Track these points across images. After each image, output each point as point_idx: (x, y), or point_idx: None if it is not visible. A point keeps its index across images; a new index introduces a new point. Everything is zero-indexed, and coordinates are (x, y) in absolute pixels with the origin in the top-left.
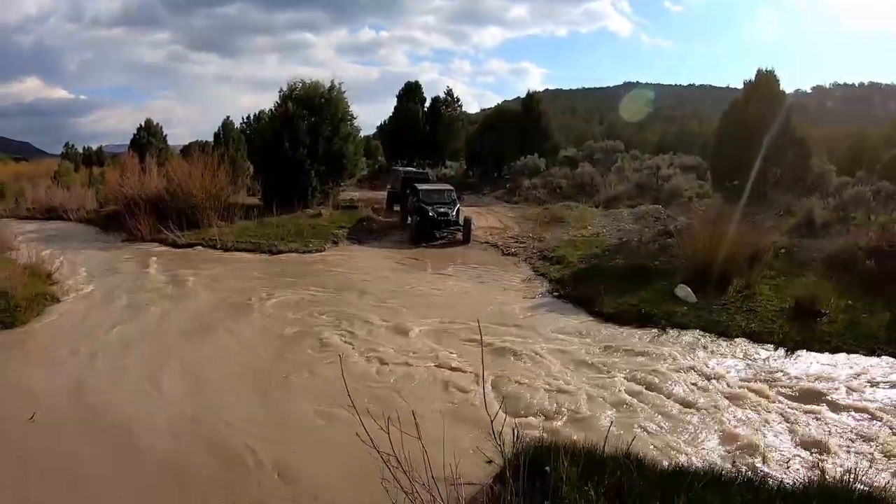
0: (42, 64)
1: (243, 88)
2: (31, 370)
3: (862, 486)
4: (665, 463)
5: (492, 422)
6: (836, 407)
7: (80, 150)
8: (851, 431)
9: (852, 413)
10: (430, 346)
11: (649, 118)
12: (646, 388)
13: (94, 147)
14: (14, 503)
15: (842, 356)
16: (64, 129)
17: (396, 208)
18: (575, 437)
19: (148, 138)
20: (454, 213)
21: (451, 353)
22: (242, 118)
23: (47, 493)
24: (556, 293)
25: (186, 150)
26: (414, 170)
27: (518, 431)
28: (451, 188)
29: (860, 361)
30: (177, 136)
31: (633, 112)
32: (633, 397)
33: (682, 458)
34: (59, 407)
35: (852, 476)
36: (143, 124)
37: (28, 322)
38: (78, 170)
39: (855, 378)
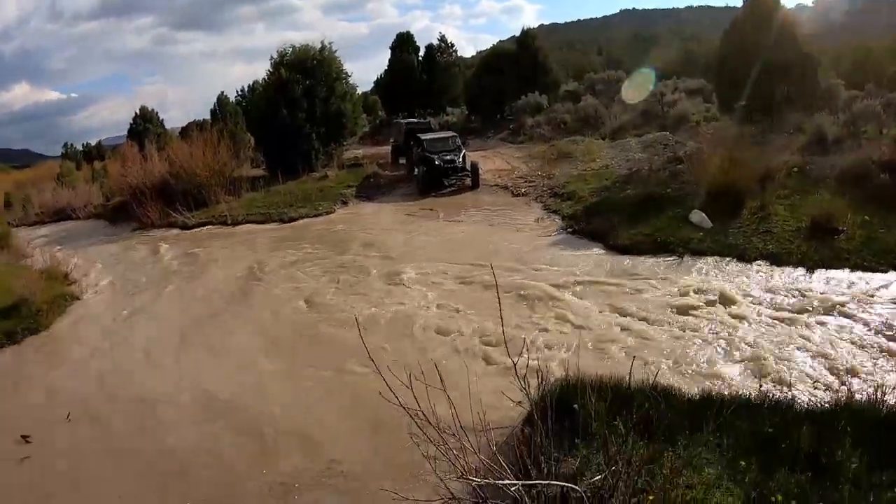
0: (28, 68)
1: (232, 61)
2: (60, 371)
3: (889, 404)
4: (693, 391)
5: (515, 365)
6: (859, 325)
7: (80, 148)
8: (877, 348)
9: (876, 330)
10: (445, 292)
11: (650, 43)
12: (666, 317)
13: (93, 142)
14: None
15: (861, 274)
16: (60, 130)
17: (402, 161)
18: (600, 373)
19: (145, 125)
20: (460, 160)
21: (468, 298)
22: (237, 91)
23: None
24: (569, 229)
25: (185, 132)
26: (416, 120)
27: (542, 372)
28: (455, 135)
29: (880, 278)
30: (173, 119)
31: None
32: (654, 326)
33: (709, 385)
34: (89, 405)
35: (880, 393)
36: (138, 112)
37: (51, 325)
38: (80, 167)
39: (877, 294)
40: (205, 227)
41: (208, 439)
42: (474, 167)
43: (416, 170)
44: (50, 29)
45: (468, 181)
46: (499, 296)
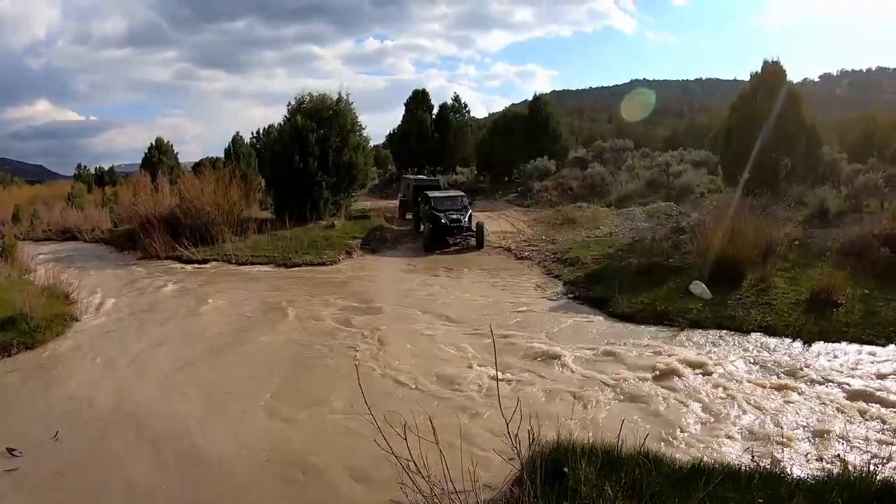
0: (52, 86)
1: (253, 102)
2: (52, 390)
3: (882, 479)
4: (683, 460)
5: (507, 424)
6: (855, 398)
7: (93, 171)
8: (872, 422)
9: (872, 404)
10: (443, 350)
11: (657, 115)
12: (660, 386)
13: (106, 167)
14: None
15: (859, 347)
16: (76, 151)
17: (409, 216)
18: (592, 438)
19: (159, 157)
20: (466, 219)
21: (465, 356)
22: (252, 133)
23: None
24: (570, 295)
25: (198, 167)
26: (425, 177)
27: (534, 434)
28: (463, 194)
29: (878, 352)
30: (189, 153)
31: (634, 112)
32: (648, 396)
33: (701, 454)
34: (79, 425)
35: (872, 468)
36: (153, 143)
37: (48, 343)
38: (91, 191)
39: (873, 368)
40: (209, 264)
41: (172, 472)
42: (480, 228)
43: (423, 226)
44: (76, 51)
45: (473, 241)
46: (496, 359)
